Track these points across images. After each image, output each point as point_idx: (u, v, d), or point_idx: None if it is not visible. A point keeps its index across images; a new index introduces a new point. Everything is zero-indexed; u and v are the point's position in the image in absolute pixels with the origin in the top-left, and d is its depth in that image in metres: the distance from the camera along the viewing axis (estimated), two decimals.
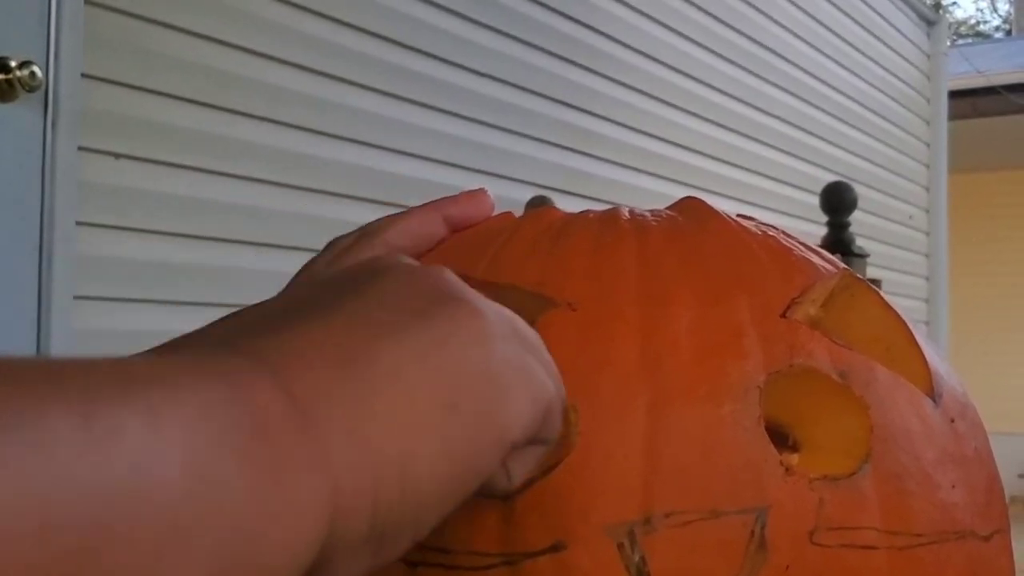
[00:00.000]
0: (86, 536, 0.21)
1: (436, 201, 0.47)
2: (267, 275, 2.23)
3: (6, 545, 0.20)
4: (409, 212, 0.47)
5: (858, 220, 3.00)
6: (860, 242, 2.89)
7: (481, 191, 0.48)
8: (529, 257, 0.44)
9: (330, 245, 0.47)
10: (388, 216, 0.47)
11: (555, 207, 0.48)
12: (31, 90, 1.80)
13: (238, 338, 0.29)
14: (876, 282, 3.19)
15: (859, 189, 3.04)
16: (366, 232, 0.46)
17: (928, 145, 5.76)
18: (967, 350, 6.31)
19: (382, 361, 0.29)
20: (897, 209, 5.32)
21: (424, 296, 0.31)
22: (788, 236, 0.46)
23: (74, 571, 0.21)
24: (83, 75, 1.91)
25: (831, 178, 3.68)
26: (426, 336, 0.30)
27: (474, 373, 0.30)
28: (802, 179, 4.36)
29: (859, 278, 0.45)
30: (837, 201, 2.79)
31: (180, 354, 0.27)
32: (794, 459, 0.40)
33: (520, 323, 0.34)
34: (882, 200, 5.07)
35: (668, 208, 0.48)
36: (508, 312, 0.34)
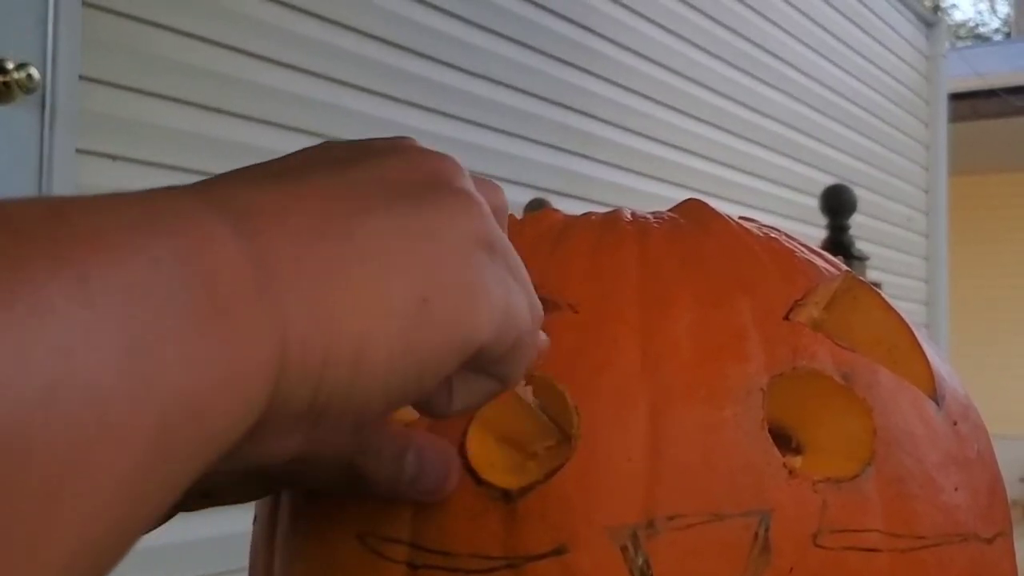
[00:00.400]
0: (3, 441, 0.19)
1: None
2: None
3: None
4: None
5: (857, 223, 3.00)
6: (859, 245, 2.89)
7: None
8: (529, 259, 0.43)
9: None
10: None
11: (555, 209, 0.48)
12: (28, 92, 1.80)
13: (212, 186, 0.27)
14: (876, 285, 3.19)
15: (858, 191, 3.04)
16: None
17: (927, 147, 5.76)
18: (966, 353, 6.31)
19: (360, 236, 0.27)
20: (896, 212, 5.33)
21: (424, 182, 0.30)
22: (790, 238, 0.46)
23: None
24: (81, 77, 1.91)
25: (830, 180, 3.68)
26: (414, 223, 0.28)
27: (453, 272, 0.29)
28: (801, 182, 4.36)
29: (861, 280, 0.45)
30: (837, 204, 2.79)
31: (141, 200, 0.25)
32: (797, 461, 0.40)
33: (512, 251, 0.32)
34: (881, 203, 5.07)
35: (670, 210, 0.48)
36: (503, 236, 0.32)
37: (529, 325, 0.32)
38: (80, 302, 0.20)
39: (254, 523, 0.47)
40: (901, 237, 5.34)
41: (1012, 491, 0.44)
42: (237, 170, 0.29)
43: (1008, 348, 8.31)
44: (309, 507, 0.42)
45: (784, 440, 0.40)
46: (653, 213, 0.47)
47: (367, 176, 0.29)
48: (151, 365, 0.21)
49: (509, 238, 0.35)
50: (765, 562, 0.37)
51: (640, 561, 0.37)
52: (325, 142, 0.32)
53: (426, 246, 0.28)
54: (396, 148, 0.31)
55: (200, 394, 0.22)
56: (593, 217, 0.46)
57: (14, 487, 0.19)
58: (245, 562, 0.47)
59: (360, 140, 0.32)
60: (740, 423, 0.39)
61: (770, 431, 0.39)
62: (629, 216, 0.46)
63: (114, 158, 1.99)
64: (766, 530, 0.38)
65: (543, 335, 0.34)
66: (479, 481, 0.39)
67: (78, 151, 1.91)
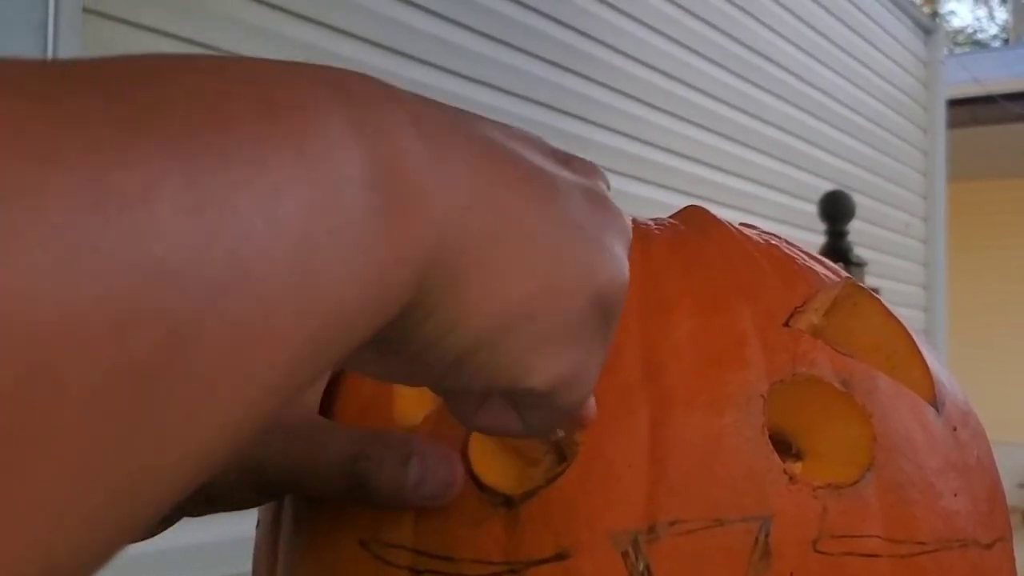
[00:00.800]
0: (175, 330, 0.18)
1: None
2: None
3: (77, 347, 0.17)
4: None
5: (855, 229, 3.01)
6: (858, 251, 2.90)
7: None
8: None
9: None
10: None
11: None
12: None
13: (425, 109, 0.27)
14: (875, 291, 3.19)
15: (856, 198, 3.05)
16: None
17: (925, 153, 5.77)
18: (965, 359, 6.31)
19: (532, 223, 0.27)
20: (894, 218, 5.33)
21: (600, 222, 0.30)
22: (791, 245, 0.47)
23: (156, 369, 0.18)
24: (84, 9, 1.91)
25: (828, 187, 3.68)
26: (578, 248, 0.28)
27: (567, 306, 0.28)
28: (799, 187, 4.37)
29: (862, 286, 0.45)
30: (835, 210, 2.80)
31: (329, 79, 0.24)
32: (797, 467, 0.40)
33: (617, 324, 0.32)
34: (879, 209, 5.08)
35: (671, 217, 0.48)
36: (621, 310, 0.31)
37: (586, 396, 0.31)
38: (270, 196, 0.20)
39: (257, 528, 0.47)
40: (899, 243, 5.34)
41: (1011, 497, 0.44)
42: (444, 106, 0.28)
43: (1006, 354, 8.31)
44: (311, 513, 0.43)
45: (784, 446, 0.40)
46: (654, 219, 0.47)
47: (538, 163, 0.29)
48: (317, 275, 0.21)
49: None
50: (765, 567, 0.38)
51: (641, 566, 0.37)
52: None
53: (573, 271, 0.28)
54: (600, 199, 0.31)
55: (355, 305, 0.22)
56: None
57: (178, 368, 0.18)
58: (248, 567, 0.48)
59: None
60: (741, 429, 0.39)
61: (770, 437, 0.39)
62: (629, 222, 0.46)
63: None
64: (767, 535, 0.38)
65: (593, 406, 0.34)
66: (481, 487, 0.40)
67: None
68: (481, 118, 0.29)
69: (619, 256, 0.30)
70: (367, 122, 0.24)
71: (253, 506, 0.42)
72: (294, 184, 0.21)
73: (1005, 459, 0.51)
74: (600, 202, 0.30)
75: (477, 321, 0.27)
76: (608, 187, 0.33)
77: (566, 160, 0.31)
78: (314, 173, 0.21)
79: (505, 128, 0.30)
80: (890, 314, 0.44)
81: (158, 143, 0.19)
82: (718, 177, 3.91)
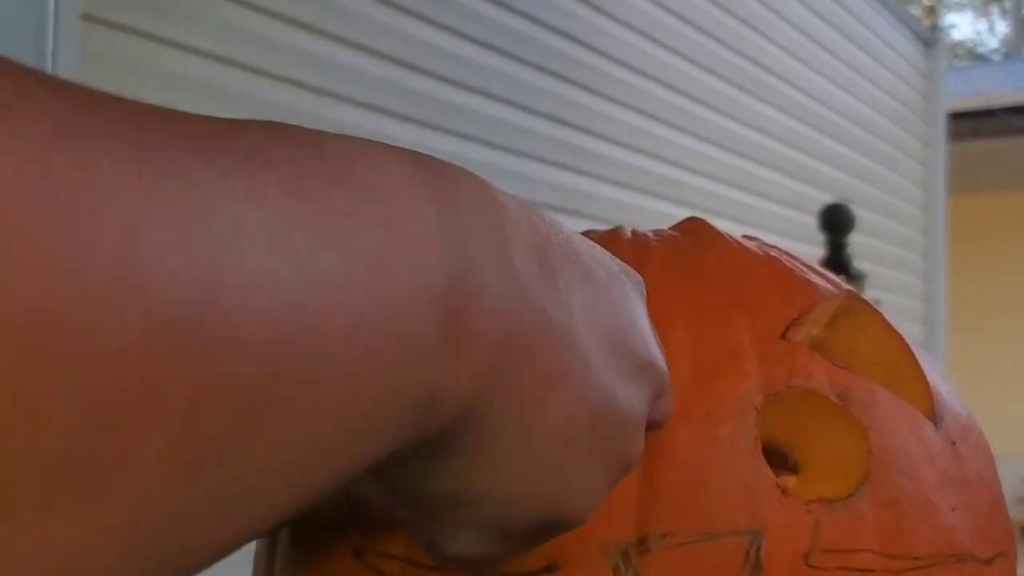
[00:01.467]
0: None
1: None
2: None
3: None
4: None
5: (855, 241, 3.01)
6: (857, 263, 2.90)
7: None
8: None
9: None
10: None
11: None
12: None
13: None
14: (876, 302, 3.19)
15: (856, 210, 3.05)
16: None
17: (925, 166, 5.77)
18: (965, 373, 6.32)
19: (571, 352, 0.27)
20: (894, 230, 5.33)
21: (633, 368, 0.30)
22: (791, 257, 0.46)
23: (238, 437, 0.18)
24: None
25: (828, 198, 3.68)
26: (619, 392, 0.29)
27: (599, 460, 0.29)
28: (799, 199, 4.37)
29: (863, 299, 0.45)
30: (835, 222, 2.80)
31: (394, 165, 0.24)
32: (792, 481, 0.39)
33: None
34: (879, 221, 5.08)
35: (671, 228, 0.48)
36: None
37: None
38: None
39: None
40: (899, 256, 5.34)
41: (1012, 512, 0.44)
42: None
43: (1007, 368, 8.31)
44: (308, 525, 0.42)
45: (780, 459, 0.40)
46: (653, 231, 0.47)
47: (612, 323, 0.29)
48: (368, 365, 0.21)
49: None
50: None
51: None
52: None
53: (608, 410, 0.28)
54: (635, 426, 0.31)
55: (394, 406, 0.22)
56: (593, 235, 0.47)
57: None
58: None
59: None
60: (734, 442, 0.39)
61: (766, 450, 0.39)
62: (629, 234, 0.46)
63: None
64: (758, 549, 0.38)
65: None
66: None
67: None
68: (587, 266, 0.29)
69: (599, 495, 0.30)
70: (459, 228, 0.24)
71: None
72: (375, 269, 0.21)
73: (1006, 472, 0.51)
74: (632, 431, 0.30)
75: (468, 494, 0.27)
76: (665, 408, 0.33)
77: (640, 368, 0.30)
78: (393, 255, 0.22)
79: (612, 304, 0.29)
80: (891, 327, 0.44)
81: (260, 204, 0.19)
82: (718, 188, 3.92)
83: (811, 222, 3.20)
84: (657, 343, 0.32)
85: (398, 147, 0.24)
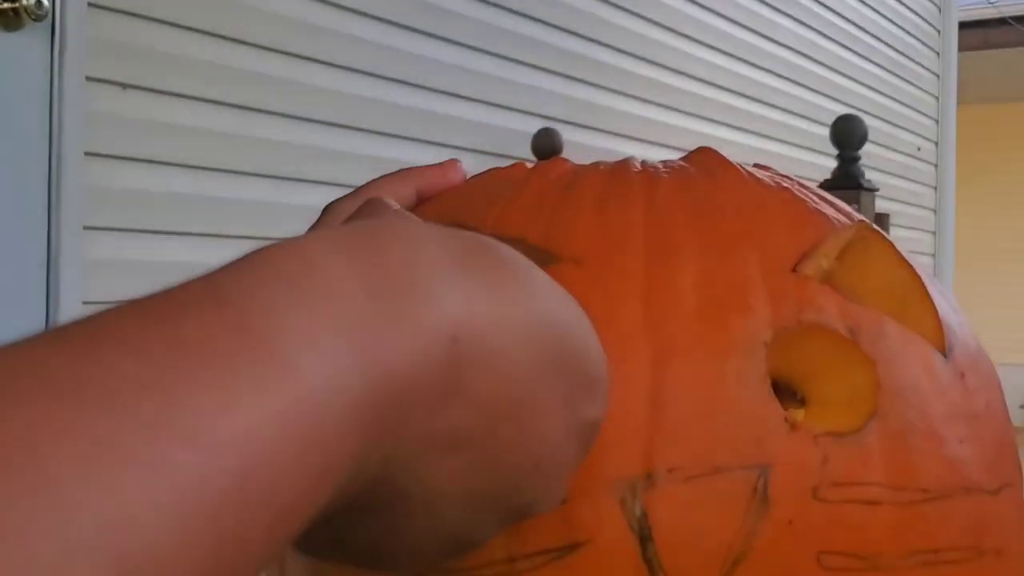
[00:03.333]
0: None
1: (408, 170, 0.47)
2: (278, 207, 2.23)
3: None
4: (382, 181, 0.46)
5: (866, 152, 2.98)
6: (869, 175, 2.88)
7: (452, 162, 0.48)
8: (537, 210, 0.43)
9: (327, 209, 0.46)
10: (367, 185, 0.46)
11: (564, 159, 0.48)
12: (37, 19, 1.78)
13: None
14: (884, 216, 3.17)
15: (868, 120, 3.01)
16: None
17: (938, 76, 5.71)
18: (973, 282, 6.31)
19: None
20: (906, 141, 5.29)
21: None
22: (803, 187, 0.46)
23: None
24: (89, 4, 1.89)
25: (840, 109, 3.65)
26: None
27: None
28: (811, 110, 4.33)
29: (875, 230, 0.44)
30: (847, 134, 2.77)
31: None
32: (800, 415, 0.39)
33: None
34: (891, 132, 5.04)
35: (681, 159, 0.47)
36: None
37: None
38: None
39: None
40: (910, 167, 5.31)
41: (1013, 417, 0.45)
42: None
43: (1016, 277, 8.30)
44: None
45: (788, 393, 0.40)
46: (664, 162, 0.47)
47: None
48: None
49: (519, 189, 0.36)
50: (764, 515, 0.37)
51: (638, 512, 0.37)
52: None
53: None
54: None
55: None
56: (602, 167, 0.46)
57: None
58: None
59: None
60: (742, 377, 0.39)
61: (775, 384, 0.39)
62: (638, 166, 0.46)
63: (124, 86, 1.98)
64: (765, 483, 0.38)
65: None
66: None
67: (88, 79, 1.89)
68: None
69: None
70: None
71: None
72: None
73: (1007, 381, 0.51)
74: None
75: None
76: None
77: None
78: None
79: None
80: (903, 259, 0.44)
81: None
82: (731, 100, 3.88)
83: (822, 132, 3.17)
84: None
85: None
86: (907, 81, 5.35)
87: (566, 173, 0.46)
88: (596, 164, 0.46)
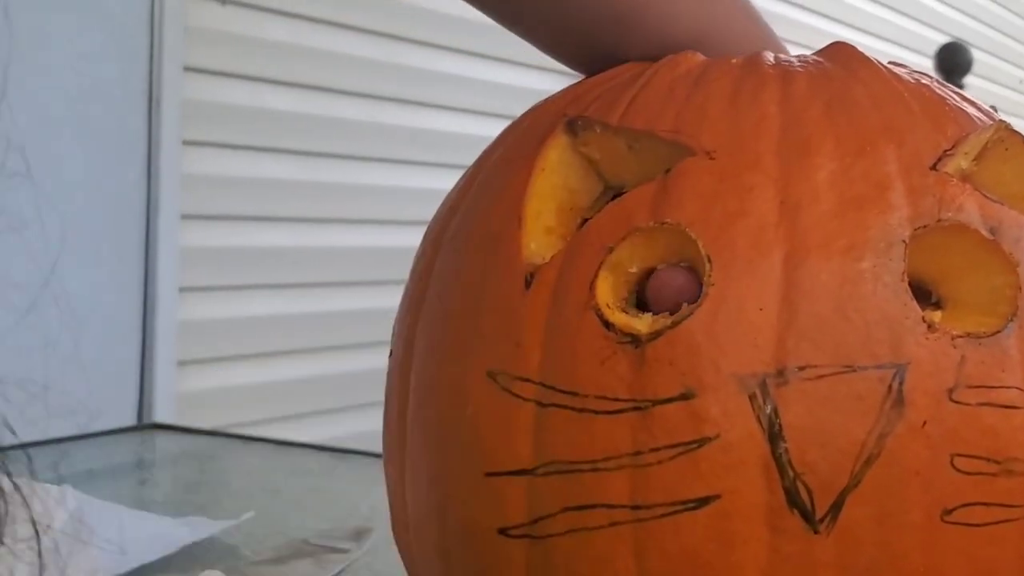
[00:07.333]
0: None
1: None
2: (371, 252, 2.28)
3: None
4: None
5: (968, 83, 2.90)
6: None
7: None
8: (666, 103, 0.43)
9: None
10: None
11: (694, 52, 0.47)
12: None
13: None
14: None
15: (972, 51, 2.93)
16: None
17: None
18: None
19: None
20: (1008, 73, 5.15)
21: None
22: (943, 84, 0.44)
23: None
24: (185, 68, 1.96)
25: (939, 38, 3.55)
26: None
27: None
28: (911, 39, 4.22)
29: (1015, 131, 0.43)
30: (952, 63, 2.70)
31: None
32: (937, 316, 0.39)
33: None
34: (992, 63, 4.90)
35: (815, 54, 0.46)
36: None
37: None
38: None
39: (390, 358, 0.47)
40: (1012, 100, 5.17)
41: None
42: None
43: None
44: (443, 343, 0.43)
45: (925, 294, 0.39)
46: (797, 56, 0.45)
47: None
48: None
49: (647, 82, 0.38)
50: (898, 415, 0.37)
51: (768, 409, 0.37)
52: None
53: None
54: None
55: None
56: (733, 60, 0.45)
57: None
58: (381, 396, 0.48)
59: None
60: (879, 275, 0.38)
61: (910, 285, 0.38)
62: (771, 59, 0.45)
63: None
64: (900, 383, 0.37)
65: None
66: (607, 325, 0.39)
67: (184, 142, 1.94)
68: None
69: None
70: None
71: None
72: None
73: None
74: None
75: None
76: None
77: None
78: None
79: None
80: None
81: None
82: (830, 27, 3.80)
83: (923, 63, 3.10)
84: None
85: None
86: (1010, 10, 5.20)
87: (696, 67, 0.45)
88: (726, 58, 0.46)
